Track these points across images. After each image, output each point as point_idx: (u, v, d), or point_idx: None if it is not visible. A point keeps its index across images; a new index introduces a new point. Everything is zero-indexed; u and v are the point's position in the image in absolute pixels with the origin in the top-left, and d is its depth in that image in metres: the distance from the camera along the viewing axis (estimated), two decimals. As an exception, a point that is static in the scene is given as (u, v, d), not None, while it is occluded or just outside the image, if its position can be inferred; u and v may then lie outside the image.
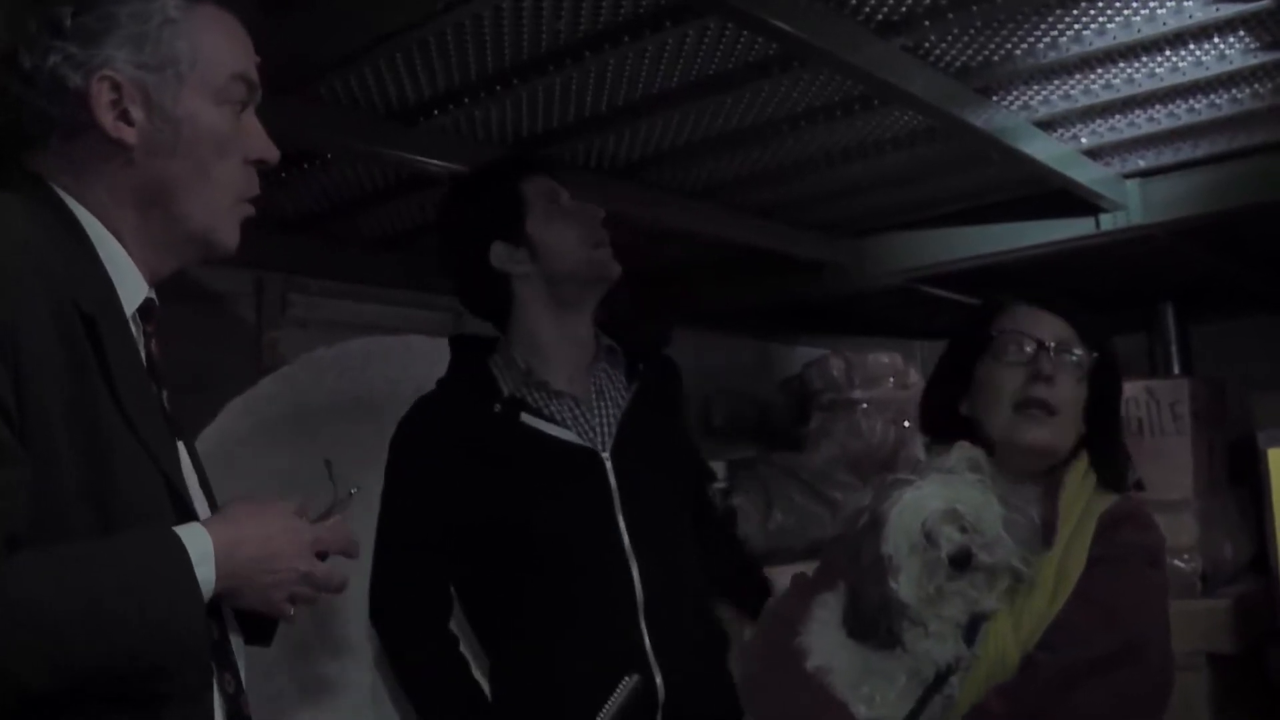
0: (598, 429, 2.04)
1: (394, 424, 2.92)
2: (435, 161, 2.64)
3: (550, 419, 2.02)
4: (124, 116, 1.28)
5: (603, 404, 2.06)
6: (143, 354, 1.32)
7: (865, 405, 4.18)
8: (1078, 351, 1.78)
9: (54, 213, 1.27)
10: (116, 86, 1.27)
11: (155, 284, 1.36)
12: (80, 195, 1.30)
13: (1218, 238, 3.53)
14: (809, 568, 3.56)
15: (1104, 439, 1.81)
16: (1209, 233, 3.41)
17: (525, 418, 2.01)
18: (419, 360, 3.09)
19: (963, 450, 1.66)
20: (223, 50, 1.35)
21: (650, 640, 1.95)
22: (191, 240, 1.36)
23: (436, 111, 2.49)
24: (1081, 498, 1.74)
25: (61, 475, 1.15)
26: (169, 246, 1.35)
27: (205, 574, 1.20)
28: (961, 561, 1.55)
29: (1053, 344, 1.77)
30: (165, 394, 1.36)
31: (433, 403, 2.13)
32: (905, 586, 1.57)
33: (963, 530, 1.56)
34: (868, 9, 2.11)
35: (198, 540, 1.20)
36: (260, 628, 1.43)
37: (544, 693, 1.96)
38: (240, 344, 3.23)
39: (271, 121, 2.41)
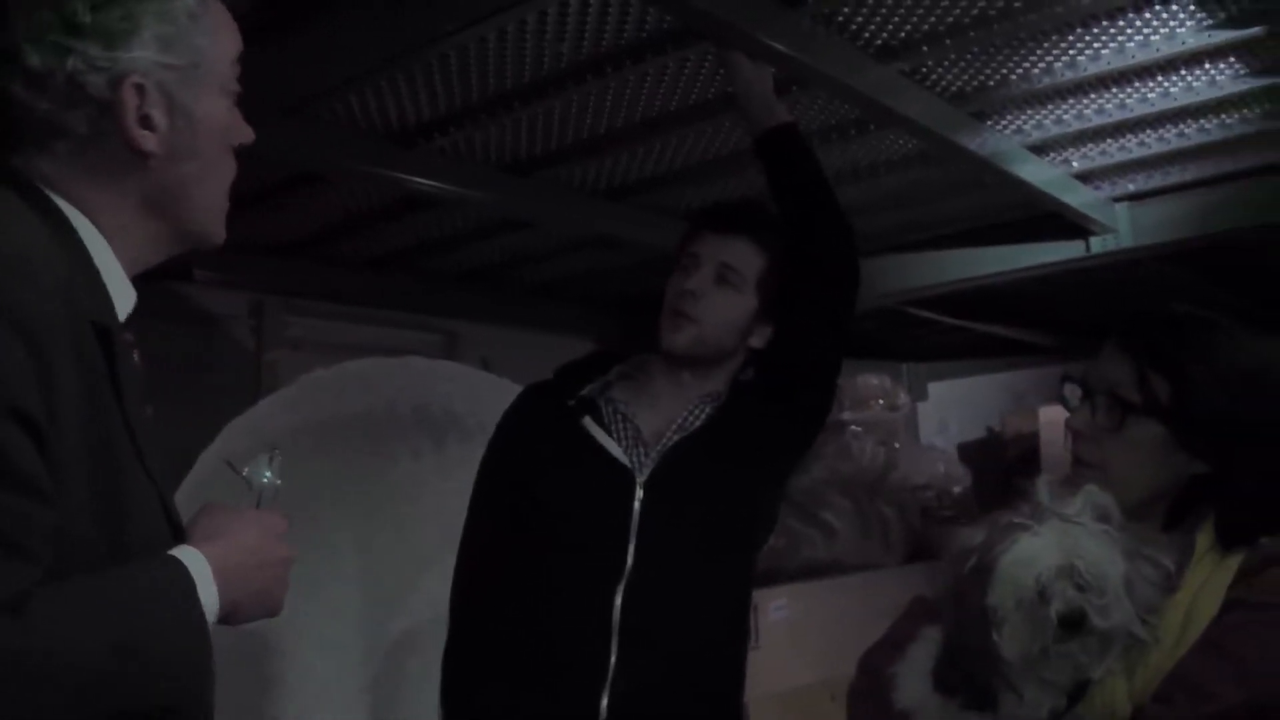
0: (648, 455, 2.06)
1: (392, 444, 2.94)
2: (433, 183, 2.66)
3: (605, 429, 2.08)
4: (145, 122, 1.19)
5: (673, 435, 2.08)
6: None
7: (855, 427, 4.19)
8: None
9: (48, 217, 1.16)
10: (141, 91, 1.18)
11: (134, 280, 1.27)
12: (76, 198, 1.19)
13: (1206, 261, 3.56)
14: (802, 588, 3.60)
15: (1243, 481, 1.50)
16: (1197, 256, 3.44)
17: (586, 420, 2.08)
18: (417, 380, 3.11)
19: (1089, 495, 1.47)
20: (228, 40, 1.28)
21: (615, 658, 1.95)
22: (188, 238, 1.29)
23: (435, 134, 2.51)
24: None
25: (77, 501, 1.07)
26: (161, 245, 1.27)
27: (209, 597, 1.15)
28: (1073, 623, 1.38)
29: None
30: (150, 409, 1.27)
31: (531, 389, 2.25)
32: (1008, 643, 1.41)
33: (1079, 589, 1.39)
34: (867, 34, 2.13)
35: (196, 562, 1.15)
36: None
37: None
38: (238, 366, 3.23)
39: (271, 143, 2.43)
